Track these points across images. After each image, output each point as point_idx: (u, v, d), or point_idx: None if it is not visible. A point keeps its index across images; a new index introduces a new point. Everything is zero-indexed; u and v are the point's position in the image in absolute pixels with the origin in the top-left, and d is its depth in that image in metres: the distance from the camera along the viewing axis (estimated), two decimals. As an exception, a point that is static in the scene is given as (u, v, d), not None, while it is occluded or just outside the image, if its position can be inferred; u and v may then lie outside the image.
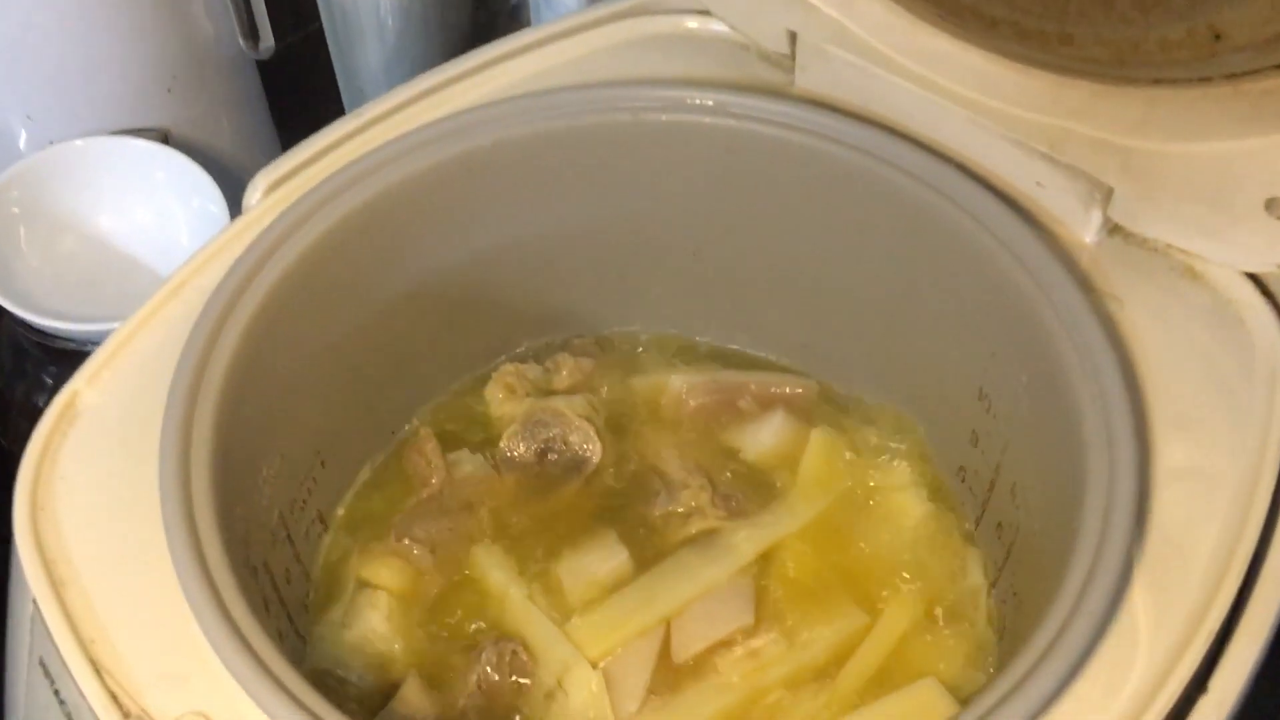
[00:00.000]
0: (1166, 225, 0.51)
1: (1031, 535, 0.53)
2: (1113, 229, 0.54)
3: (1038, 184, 0.54)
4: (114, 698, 0.41)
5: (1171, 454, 0.47)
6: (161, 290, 0.53)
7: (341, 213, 0.55)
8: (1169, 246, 0.52)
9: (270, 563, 0.52)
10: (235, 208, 0.66)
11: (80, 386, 0.49)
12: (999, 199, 0.53)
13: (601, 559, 0.59)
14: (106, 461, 0.48)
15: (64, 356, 0.71)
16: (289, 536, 0.56)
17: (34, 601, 0.43)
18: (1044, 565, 0.50)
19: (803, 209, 0.59)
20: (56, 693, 0.43)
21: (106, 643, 0.42)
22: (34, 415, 0.71)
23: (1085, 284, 0.51)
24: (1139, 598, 0.42)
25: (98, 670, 0.41)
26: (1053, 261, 0.50)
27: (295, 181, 0.57)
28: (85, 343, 0.69)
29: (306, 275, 0.54)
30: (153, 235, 0.73)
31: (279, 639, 0.51)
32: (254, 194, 0.57)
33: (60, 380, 0.71)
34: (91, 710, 0.40)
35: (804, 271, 0.62)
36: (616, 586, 0.58)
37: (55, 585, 0.43)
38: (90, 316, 0.68)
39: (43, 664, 0.43)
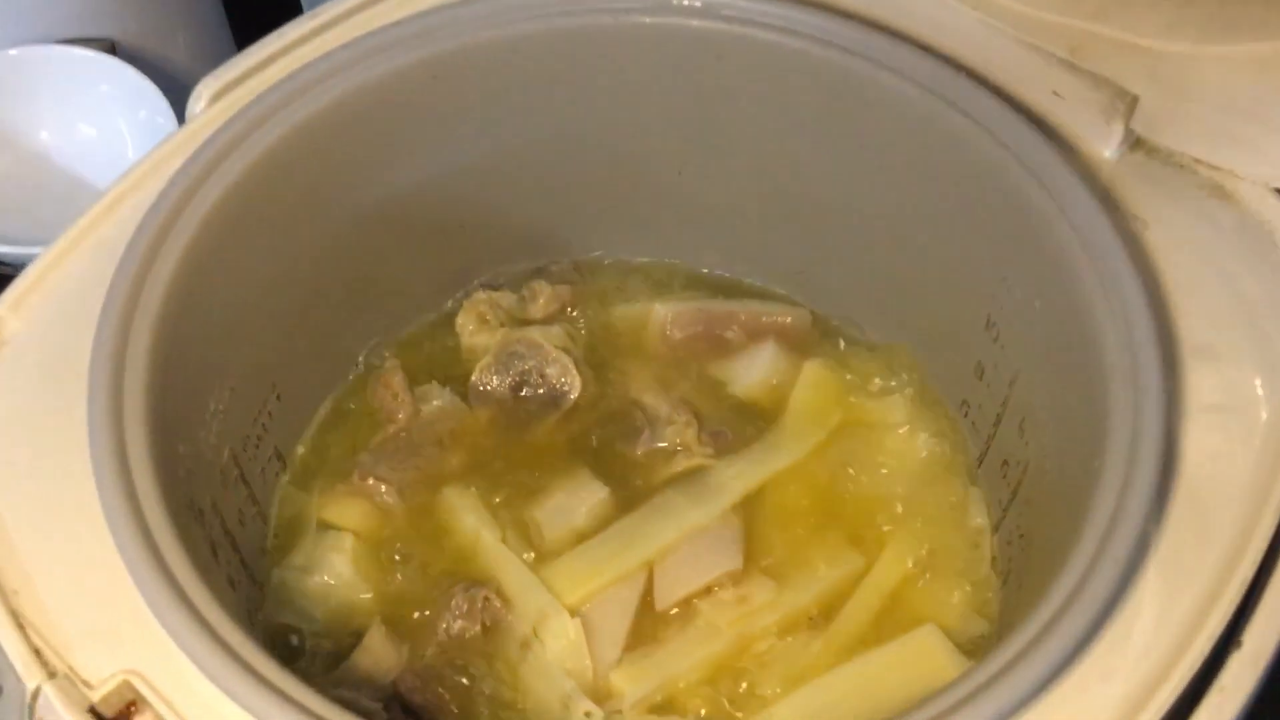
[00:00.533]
0: (1196, 137, 0.47)
1: (1042, 474, 0.49)
2: (1135, 143, 0.50)
3: (1055, 93, 0.50)
4: (38, 654, 0.37)
5: (1200, 388, 0.43)
6: (94, 208, 0.48)
7: (293, 123, 0.50)
8: (1197, 162, 0.48)
9: (220, 504, 0.48)
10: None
11: (3, 313, 0.45)
12: (1013, 109, 0.48)
13: (580, 499, 0.55)
14: (32, 395, 0.43)
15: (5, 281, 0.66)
16: (242, 476, 0.52)
17: (-50, 549, 0.39)
18: (1057, 506, 0.47)
19: (797, 121, 0.54)
20: (-22, 648, 0.39)
21: (31, 594, 0.38)
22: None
23: (1107, 202, 0.47)
24: (1166, 544, 0.38)
25: (20, 624, 0.38)
26: (1071, 176, 0.46)
27: (244, 88, 0.52)
28: (20, 266, 0.65)
29: (255, 191, 0.49)
30: (96, 151, 0.68)
31: (230, 587, 0.48)
32: (198, 102, 0.52)
33: None
34: (13, 668, 0.36)
35: (798, 191, 0.58)
36: (596, 529, 0.54)
37: (-26, 531, 0.39)
38: (27, 239, 0.63)
39: (-38, 617, 0.39)
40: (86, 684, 0.36)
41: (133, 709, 0.37)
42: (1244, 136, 0.45)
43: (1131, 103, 0.48)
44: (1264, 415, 0.42)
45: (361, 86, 0.51)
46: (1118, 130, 0.49)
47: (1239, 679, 0.35)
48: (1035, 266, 0.48)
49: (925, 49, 0.51)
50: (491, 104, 0.55)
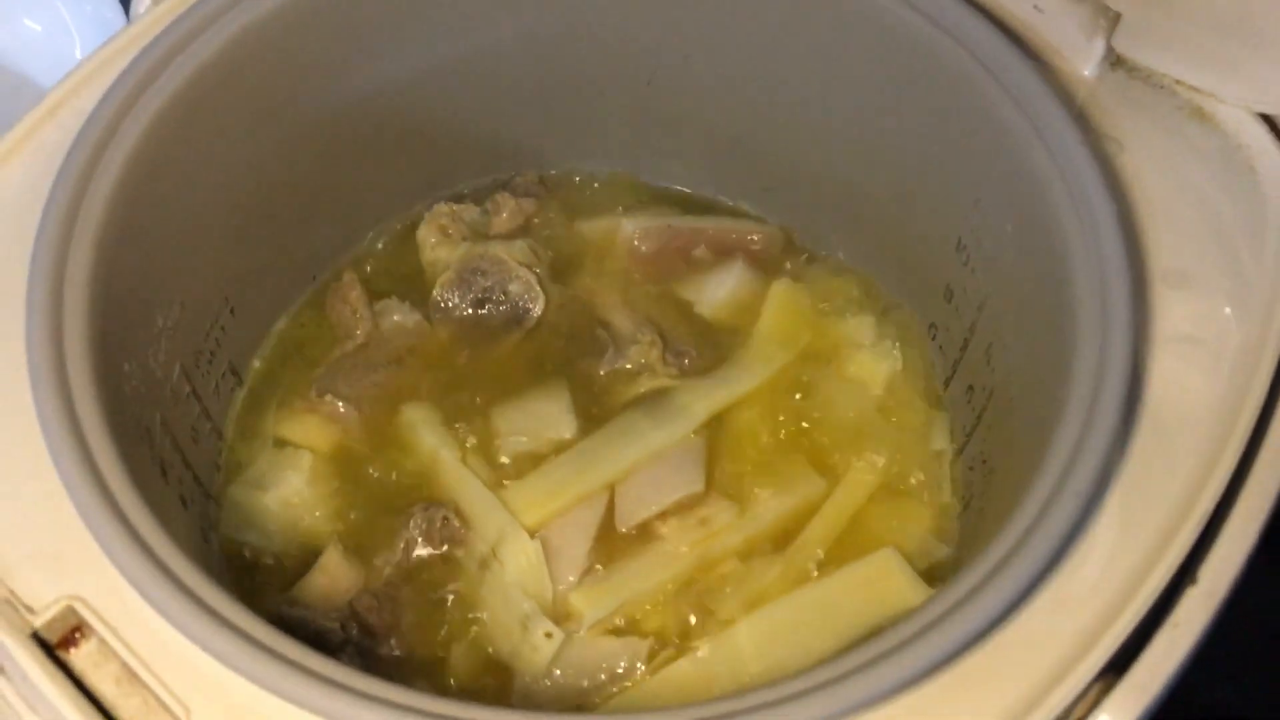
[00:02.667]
0: (1179, 56, 0.45)
1: (1007, 400, 0.48)
2: (1115, 62, 0.48)
3: (1035, 7, 0.48)
4: (-23, 579, 0.36)
5: (1170, 317, 0.42)
6: (33, 112, 0.46)
7: (244, 22, 0.48)
8: (1177, 83, 0.47)
9: (170, 422, 0.47)
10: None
11: (-62, 223, 0.43)
12: (990, 23, 0.47)
13: (542, 418, 0.54)
14: (-31, 310, 0.42)
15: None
16: (194, 392, 0.50)
17: (-115, 469, 0.38)
18: (1021, 433, 0.46)
19: (769, 33, 0.52)
20: (-85, 570, 0.38)
21: (-31, 516, 0.37)
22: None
23: (1083, 122, 0.46)
24: (1128, 477, 0.38)
25: (-42, 549, 0.36)
26: (1048, 96, 0.45)
27: (191, -11, 0.50)
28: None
29: (204, 95, 0.47)
30: (42, 47, 0.65)
31: (182, 505, 0.47)
32: (142, 2, 0.49)
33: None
34: (-49, 593, 0.36)
35: (769, 104, 0.56)
36: (558, 448, 0.53)
37: (-91, 450, 0.38)
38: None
39: (-101, 539, 0.38)
40: (29, 609, 0.36)
41: (77, 635, 0.36)
42: (1227, 57, 0.44)
43: (1113, 19, 0.46)
44: (1233, 344, 0.42)
45: (316, -16, 0.49)
46: (1098, 47, 0.47)
47: (1192, 616, 0.35)
48: (1008, 189, 0.46)
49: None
50: (455, 6, 0.53)
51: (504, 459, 0.53)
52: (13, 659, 0.34)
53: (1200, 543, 0.37)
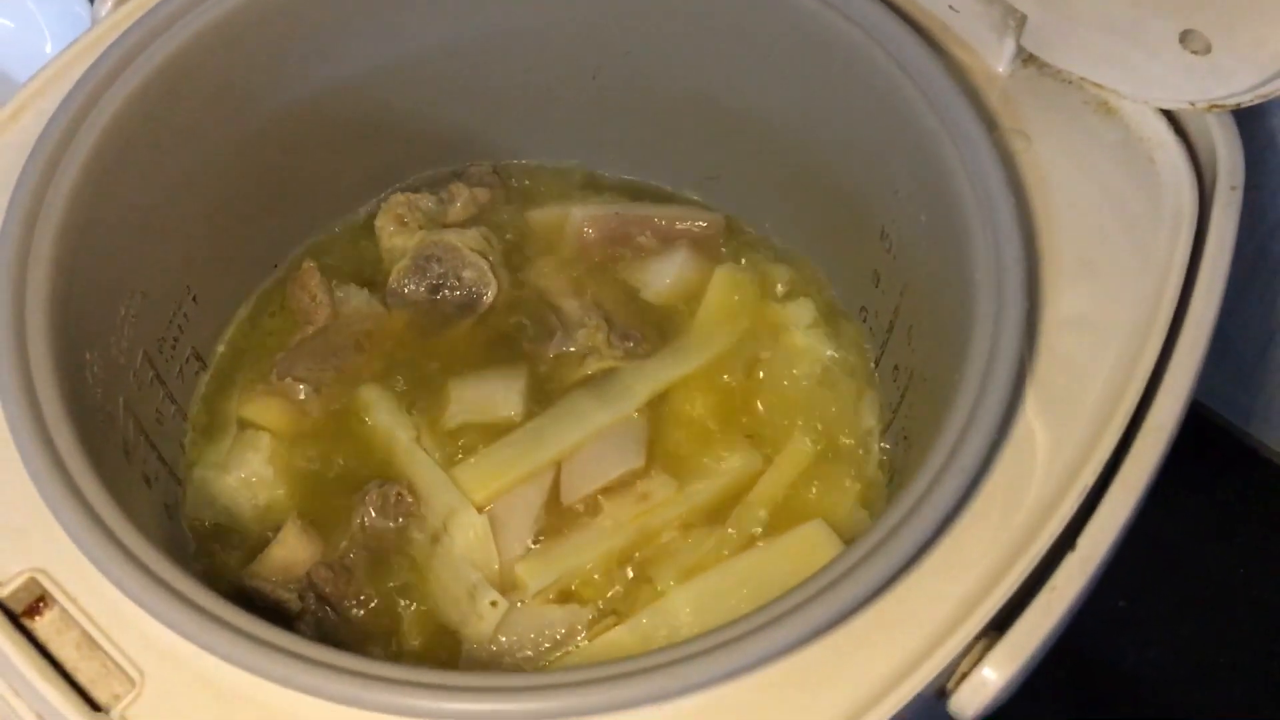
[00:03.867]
0: (1080, 56, 0.48)
1: (923, 380, 0.51)
2: (1027, 59, 0.51)
3: (950, 7, 0.51)
4: (-55, 553, 0.39)
5: (1068, 299, 0.45)
6: (0, 112, 0.48)
7: (201, 25, 0.50)
8: (1083, 80, 0.50)
9: (135, 406, 0.50)
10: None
11: (-91, 221, 0.45)
12: (907, 27, 0.49)
13: (493, 398, 0.57)
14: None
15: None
16: (158, 377, 0.53)
17: None
18: (931, 410, 0.49)
19: (703, 31, 0.55)
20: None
21: (-66, 492, 0.40)
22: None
23: (990, 121, 0.48)
24: (1014, 450, 0.41)
25: (-75, 523, 0.39)
26: (958, 96, 0.47)
27: (150, -7, 0.52)
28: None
29: (162, 94, 0.50)
30: (14, 43, 0.67)
31: (145, 484, 0.50)
32: (104, 5, 0.52)
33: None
34: (-81, 566, 0.38)
35: (707, 98, 0.59)
36: (507, 427, 0.56)
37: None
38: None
39: None
40: (-6, 580, 0.38)
41: (41, 604, 0.39)
42: (1124, 58, 0.47)
43: (1021, 20, 0.49)
44: (1124, 326, 0.44)
45: (268, -10, 0.52)
46: (1009, 46, 0.50)
47: (1070, 580, 0.38)
48: (922, 182, 0.49)
49: (827, -39, 0.51)
50: (407, 6, 0.55)
51: (457, 437, 0.56)
52: (-20, 628, 0.37)
53: (1080, 512, 0.40)
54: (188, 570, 0.43)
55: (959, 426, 0.40)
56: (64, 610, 0.38)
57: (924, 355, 0.51)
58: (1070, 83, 0.50)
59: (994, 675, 0.37)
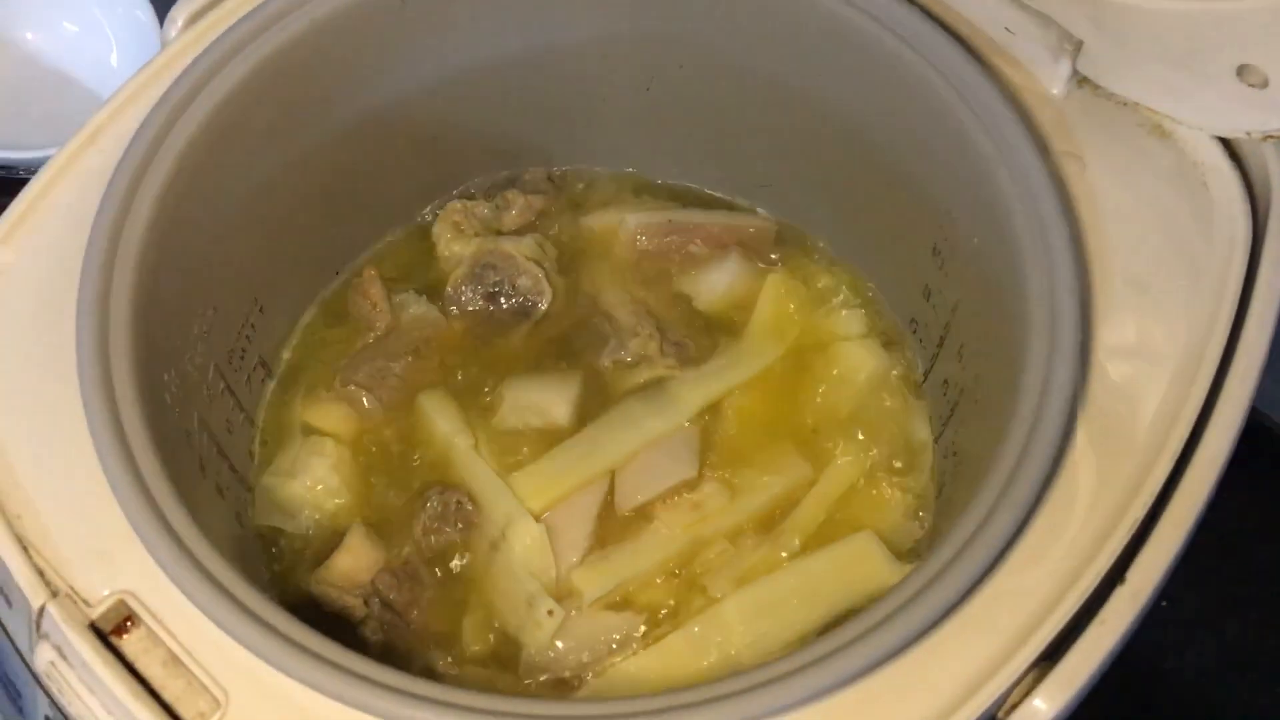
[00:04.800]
0: (1135, 84, 0.49)
1: (974, 401, 0.52)
2: (1081, 80, 0.51)
3: (1006, 29, 0.51)
4: (41, 574, 0.41)
5: (1121, 327, 0.46)
6: (77, 138, 0.50)
7: (268, 50, 0.51)
8: (1138, 103, 0.50)
9: (208, 419, 0.52)
10: (164, 14, 0.63)
11: (-5, 246, 0.47)
12: (964, 50, 0.50)
13: (550, 392, 0.58)
14: (25, 326, 0.46)
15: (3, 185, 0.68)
16: (228, 388, 0.55)
17: (-44, 475, 0.42)
18: (984, 433, 0.50)
19: (759, 48, 0.56)
20: (-14, 564, 0.43)
21: (33, 517, 0.42)
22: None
23: (1045, 147, 0.49)
24: (1066, 482, 0.42)
25: (24, 547, 0.41)
26: (1013, 122, 0.48)
27: (217, 12, 0.53)
28: (17, 169, 0.67)
29: (233, 117, 0.51)
30: (80, 47, 0.69)
31: (219, 495, 0.52)
32: (173, 27, 0.53)
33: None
34: (18, 589, 0.40)
35: (761, 112, 0.59)
36: (553, 422, 0.57)
37: (-23, 459, 0.43)
38: (23, 139, 0.65)
39: (-30, 535, 0.43)
40: (86, 603, 0.40)
41: (128, 623, 0.41)
42: (1180, 88, 0.47)
43: (1077, 45, 0.49)
44: (1176, 354, 0.45)
45: (335, 10, 0.52)
46: (1064, 69, 0.50)
47: (1119, 613, 0.39)
48: (976, 206, 0.50)
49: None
50: (464, 25, 0.56)
51: (501, 428, 0.57)
52: (73, 648, 0.39)
53: (1131, 546, 0.41)
54: (261, 581, 0.45)
55: (1012, 461, 0.41)
56: (150, 630, 0.40)
57: (975, 374, 0.52)
58: (1126, 104, 0.51)
59: (1044, 706, 0.38)
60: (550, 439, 0.58)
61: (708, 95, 0.60)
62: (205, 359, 0.52)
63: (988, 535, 0.40)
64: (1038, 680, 0.39)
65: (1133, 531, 0.41)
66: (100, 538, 0.42)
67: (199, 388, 0.51)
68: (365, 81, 0.56)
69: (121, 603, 0.40)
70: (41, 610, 0.40)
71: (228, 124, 0.51)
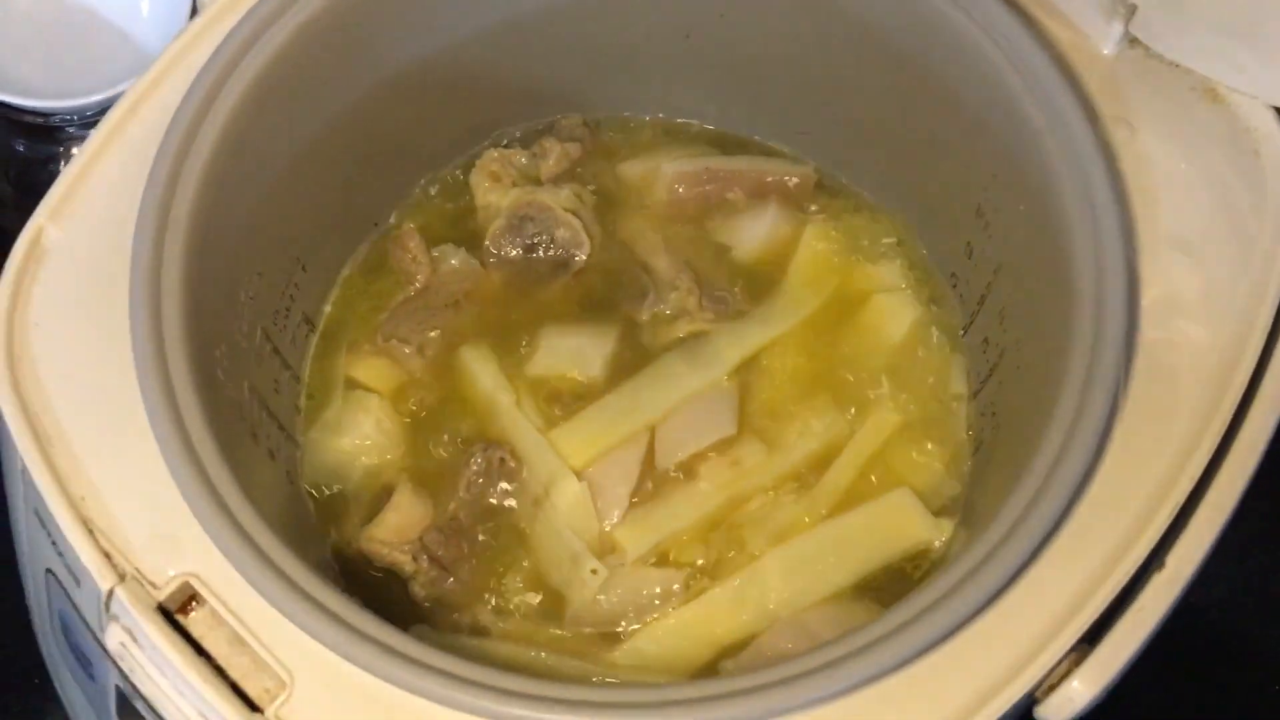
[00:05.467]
0: (1190, 50, 0.48)
1: (1016, 364, 0.52)
2: (1133, 40, 0.50)
3: (1057, -12, 0.50)
4: (108, 558, 0.42)
5: (1167, 305, 0.46)
6: (118, 108, 0.50)
7: (308, 13, 0.51)
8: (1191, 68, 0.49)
9: (257, 384, 0.53)
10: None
11: (44, 222, 0.47)
12: (1015, 13, 0.49)
13: (584, 344, 0.59)
14: (79, 303, 0.47)
15: (33, 130, 0.68)
16: (275, 349, 0.56)
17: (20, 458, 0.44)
18: (1024, 398, 0.50)
19: (799, 5, 0.55)
20: (54, 543, 0.44)
21: (97, 500, 0.43)
22: (3, 183, 0.70)
23: (1094, 113, 0.48)
24: (1105, 470, 0.42)
25: (90, 530, 0.42)
26: (1064, 90, 0.47)
27: (253, -27, 0.52)
28: (55, 116, 0.67)
29: (275, 82, 0.51)
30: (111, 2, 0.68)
31: (270, 459, 0.53)
32: (209, -13, 0.52)
33: (31, 151, 0.69)
34: (86, 570, 0.42)
35: (802, 64, 0.58)
36: (583, 376, 0.58)
37: (40, 441, 0.44)
38: (58, 85, 0.65)
39: (38, 514, 0.44)
40: (153, 585, 0.42)
41: (192, 602, 0.42)
42: (1234, 57, 0.46)
43: (1130, 9, 0.48)
44: (1225, 339, 0.45)
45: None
46: (1116, 30, 0.49)
47: (1156, 599, 0.40)
48: (1023, 171, 0.49)
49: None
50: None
51: (532, 374, 0.58)
52: (142, 630, 0.41)
53: (1169, 530, 0.42)
54: (313, 537, 0.46)
55: (1056, 445, 0.42)
56: (213, 611, 0.42)
57: (1017, 339, 0.52)
58: (1178, 65, 0.50)
59: (1082, 688, 0.40)
60: (582, 391, 0.58)
61: (747, 46, 0.59)
62: (252, 324, 0.53)
63: (1032, 522, 0.41)
64: (1076, 663, 0.40)
65: (1173, 516, 0.41)
66: (163, 520, 0.43)
67: (247, 354, 0.52)
68: (407, 34, 0.56)
69: (186, 584, 0.42)
70: (110, 593, 0.41)
71: (269, 89, 0.50)
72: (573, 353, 0.59)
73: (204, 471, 0.42)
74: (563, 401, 0.59)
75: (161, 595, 0.41)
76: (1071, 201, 0.46)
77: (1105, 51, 0.50)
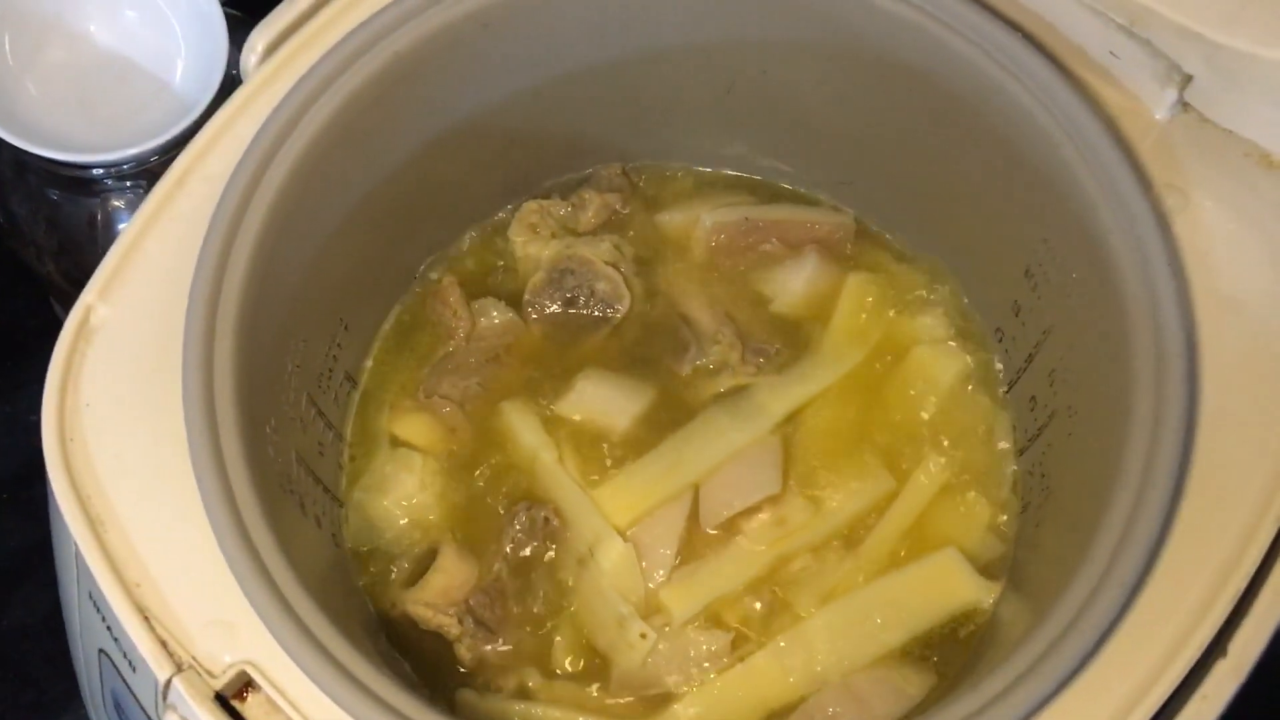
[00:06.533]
0: (1246, 123, 0.47)
1: (1066, 429, 0.52)
2: (1185, 105, 0.50)
3: (1111, 53, 0.50)
4: (164, 645, 0.42)
5: (1227, 381, 0.45)
6: (165, 181, 0.50)
7: (353, 86, 0.50)
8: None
9: (303, 451, 0.53)
10: None
11: (92, 300, 0.47)
12: (1068, 82, 0.48)
13: (617, 397, 0.59)
14: (130, 382, 0.47)
15: (70, 183, 0.68)
16: (319, 412, 0.55)
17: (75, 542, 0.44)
18: (1078, 468, 0.50)
19: (846, 63, 0.54)
20: (109, 628, 0.44)
21: (151, 586, 0.43)
22: (40, 232, 0.70)
23: (1148, 181, 0.48)
24: (1168, 558, 0.42)
25: (146, 618, 0.42)
26: (1118, 161, 0.47)
27: (296, 40, 0.52)
28: (90, 169, 0.66)
29: (323, 152, 0.50)
30: (143, 37, 0.67)
31: (316, 525, 0.53)
32: (251, 55, 0.52)
33: (65, 201, 0.69)
34: (143, 659, 0.42)
35: (845, 117, 0.58)
36: (609, 426, 0.58)
37: (94, 525, 0.44)
38: (94, 138, 0.65)
39: (92, 599, 0.44)
40: (210, 674, 0.42)
41: (247, 689, 0.42)
42: (1294, 130, 0.45)
43: (1185, 78, 0.47)
44: (1281, 417, 0.45)
45: (416, 40, 0.51)
46: (1170, 97, 0.49)
47: (1220, 688, 0.40)
48: (1077, 242, 0.49)
49: (987, 6, 0.50)
50: (541, 42, 0.55)
51: (561, 413, 0.58)
52: (199, 719, 0.41)
53: (1232, 615, 0.41)
54: (358, 599, 0.46)
55: (1116, 534, 0.41)
56: (269, 699, 0.42)
57: (1068, 403, 0.52)
58: (1231, 132, 0.49)
59: (1146, 780, 0.39)
60: (623, 446, 0.58)
61: (791, 96, 0.59)
62: (298, 392, 0.53)
63: (1096, 612, 0.40)
64: (1138, 754, 0.40)
65: (1235, 601, 0.41)
66: (218, 605, 0.43)
67: (293, 423, 0.52)
68: (452, 97, 0.56)
69: (242, 672, 0.42)
70: (169, 682, 0.41)
71: (317, 159, 0.50)
72: (604, 402, 0.59)
73: (259, 558, 0.42)
74: (606, 457, 0.58)
75: (218, 684, 0.41)
76: (1128, 274, 0.46)
77: (1158, 117, 0.49)
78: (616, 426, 0.58)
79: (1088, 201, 0.47)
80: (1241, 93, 0.45)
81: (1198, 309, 0.46)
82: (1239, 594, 0.41)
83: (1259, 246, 0.48)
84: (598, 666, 0.55)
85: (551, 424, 0.59)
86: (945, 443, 0.58)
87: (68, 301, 0.47)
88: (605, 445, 0.59)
